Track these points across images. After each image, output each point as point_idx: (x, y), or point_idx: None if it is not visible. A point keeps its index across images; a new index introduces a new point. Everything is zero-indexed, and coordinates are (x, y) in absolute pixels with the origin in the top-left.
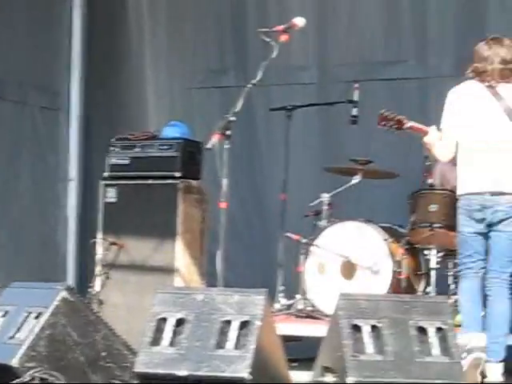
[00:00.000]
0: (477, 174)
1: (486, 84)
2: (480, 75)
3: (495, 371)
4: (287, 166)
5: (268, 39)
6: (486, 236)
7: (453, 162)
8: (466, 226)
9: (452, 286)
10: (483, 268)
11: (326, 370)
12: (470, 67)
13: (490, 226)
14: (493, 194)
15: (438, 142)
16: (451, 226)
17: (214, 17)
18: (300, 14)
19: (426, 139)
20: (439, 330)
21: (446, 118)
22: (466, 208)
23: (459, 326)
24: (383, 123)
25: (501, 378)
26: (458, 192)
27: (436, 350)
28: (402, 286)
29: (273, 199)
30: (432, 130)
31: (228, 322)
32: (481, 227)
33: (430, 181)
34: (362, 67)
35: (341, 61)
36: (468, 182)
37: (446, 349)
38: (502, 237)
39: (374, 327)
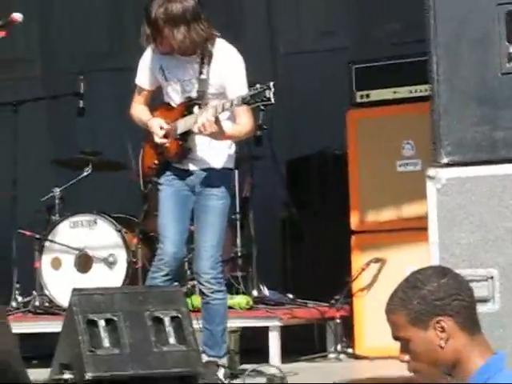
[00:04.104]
0: None
1: None
2: None
3: None
4: (16, 162)
5: None
6: None
7: None
8: None
9: (188, 272)
10: None
11: (64, 367)
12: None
13: None
14: None
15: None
16: None
17: None
18: (23, 4)
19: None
20: (174, 318)
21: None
22: None
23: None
24: None
25: None
26: None
27: (172, 339)
28: (138, 276)
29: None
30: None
31: None
32: None
33: None
34: (87, 58)
35: (65, 52)
36: None
37: (181, 337)
38: None
39: (109, 321)
